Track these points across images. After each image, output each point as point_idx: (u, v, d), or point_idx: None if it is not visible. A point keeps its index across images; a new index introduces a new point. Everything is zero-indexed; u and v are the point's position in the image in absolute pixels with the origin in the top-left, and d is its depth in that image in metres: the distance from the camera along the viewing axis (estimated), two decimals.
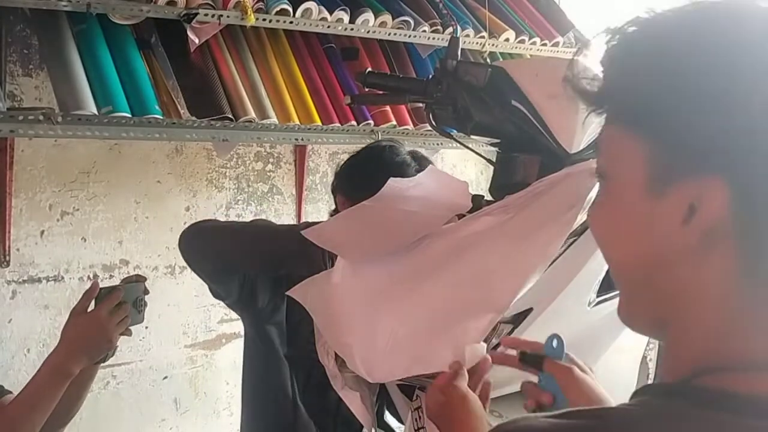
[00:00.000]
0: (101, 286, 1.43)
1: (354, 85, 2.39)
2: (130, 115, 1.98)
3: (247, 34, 2.33)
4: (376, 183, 1.27)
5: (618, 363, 1.36)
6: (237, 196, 2.67)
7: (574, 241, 1.22)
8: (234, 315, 1.76)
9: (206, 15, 2.04)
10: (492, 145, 1.40)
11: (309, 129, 2.30)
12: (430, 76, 1.35)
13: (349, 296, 1.20)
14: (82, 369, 1.39)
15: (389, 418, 1.59)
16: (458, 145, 1.48)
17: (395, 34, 2.41)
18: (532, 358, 1.05)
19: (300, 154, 2.77)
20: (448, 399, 1.04)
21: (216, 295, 1.64)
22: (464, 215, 1.23)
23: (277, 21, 2.18)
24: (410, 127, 2.48)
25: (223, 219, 2.61)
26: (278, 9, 2.16)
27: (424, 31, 2.44)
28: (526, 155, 1.29)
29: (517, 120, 1.24)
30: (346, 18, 2.29)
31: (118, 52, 2.06)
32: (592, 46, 0.68)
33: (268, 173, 2.74)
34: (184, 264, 1.61)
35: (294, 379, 1.63)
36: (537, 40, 2.69)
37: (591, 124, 0.81)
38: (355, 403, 1.30)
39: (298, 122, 2.27)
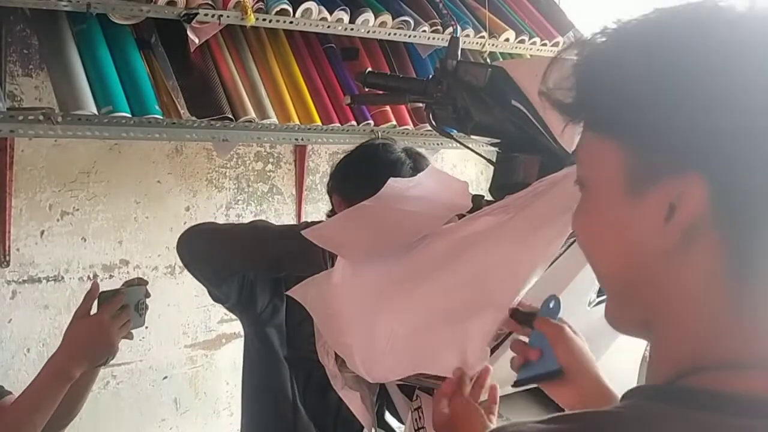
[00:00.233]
0: (103, 288, 1.43)
1: (354, 85, 2.39)
2: (130, 115, 1.98)
3: (247, 34, 2.33)
4: (371, 182, 1.27)
5: (618, 363, 1.36)
6: (237, 196, 2.67)
7: (575, 241, 1.21)
8: (234, 315, 1.76)
9: (206, 15, 2.04)
10: (492, 145, 1.39)
11: (309, 129, 2.30)
12: (430, 76, 1.35)
13: (349, 296, 1.20)
14: (83, 371, 1.39)
15: (389, 418, 1.59)
16: (458, 145, 1.47)
17: (395, 34, 2.41)
18: (523, 315, 1.06)
19: (300, 154, 2.77)
20: (453, 410, 1.05)
21: (215, 299, 1.63)
22: (464, 215, 1.23)
23: (277, 21, 2.18)
24: (410, 127, 2.48)
25: (223, 219, 2.61)
26: (278, 9, 2.16)
27: (424, 31, 2.44)
28: (526, 155, 1.29)
29: (517, 120, 1.24)
30: (346, 18, 2.29)
31: (118, 52, 2.06)
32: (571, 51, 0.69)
33: (268, 173, 2.74)
34: None
35: (294, 380, 1.63)
36: (537, 40, 2.69)
37: None
38: (355, 403, 1.30)
39: (298, 122, 2.27)
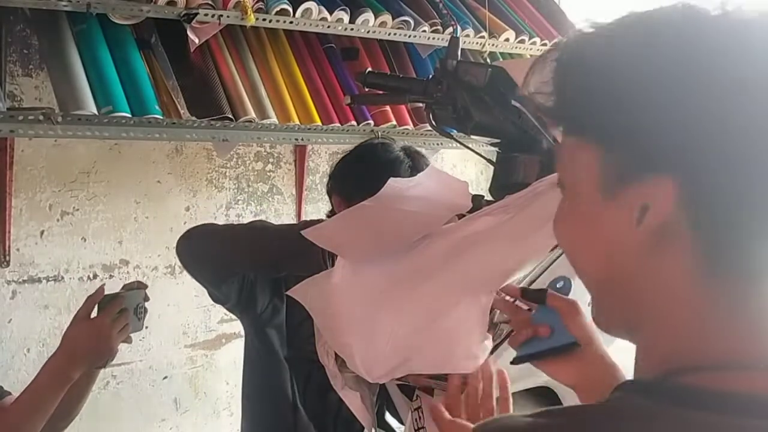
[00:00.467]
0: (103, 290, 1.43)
1: (354, 85, 2.39)
2: (130, 115, 1.98)
3: (247, 34, 2.33)
4: (370, 181, 1.27)
5: (618, 363, 1.36)
6: (237, 196, 2.67)
7: None
8: (234, 315, 1.77)
9: (206, 15, 2.04)
10: (492, 145, 1.39)
11: (309, 129, 2.30)
12: (430, 76, 1.35)
13: (349, 296, 1.20)
14: (82, 373, 1.39)
15: (390, 418, 1.59)
16: (458, 145, 1.47)
17: (395, 34, 2.41)
18: (534, 293, 1.05)
19: (300, 154, 2.77)
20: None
21: (215, 300, 1.63)
22: (464, 215, 1.23)
23: (277, 21, 2.18)
24: (410, 127, 2.48)
25: (223, 219, 2.61)
26: (278, 9, 2.16)
27: (424, 31, 2.44)
28: (526, 155, 1.29)
29: (517, 120, 1.24)
30: (346, 18, 2.29)
31: (118, 52, 2.06)
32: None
33: (268, 173, 2.74)
34: None
35: (294, 381, 1.63)
36: (537, 40, 2.69)
37: None
38: (355, 403, 1.30)
39: (298, 122, 2.27)
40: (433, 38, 2.47)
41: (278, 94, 2.29)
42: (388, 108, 2.44)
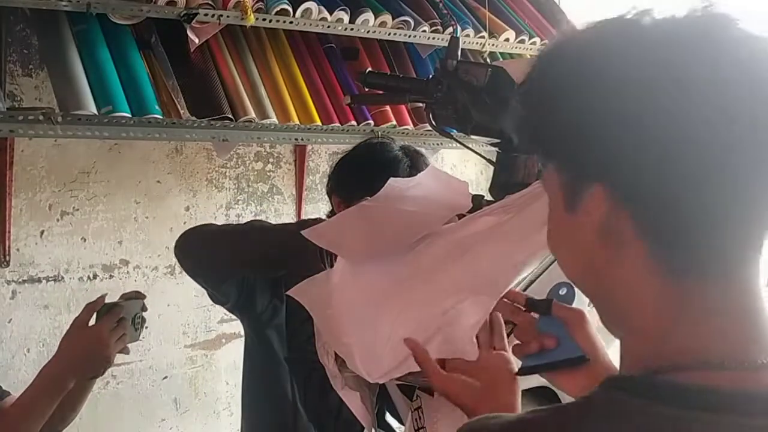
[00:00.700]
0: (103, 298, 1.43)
1: (354, 85, 2.39)
2: (130, 115, 1.98)
3: (247, 34, 2.33)
4: (369, 181, 1.27)
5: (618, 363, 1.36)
6: (237, 196, 2.67)
7: None
8: (234, 316, 1.77)
9: (206, 15, 2.04)
10: (492, 145, 1.39)
11: (309, 129, 2.30)
12: (430, 76, 1.35)
13: (349, 296, 1.20)
14: (77, 382, 1.40)
15: (390, 418, 1.59)
16: (458, 145, 1.47)
17: (395, 34, 2.41)
18: (538, 303, 1.03)
19: (300, 154, 2.77)
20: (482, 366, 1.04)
21: (215, 301, 1.63)
22: (464, 215, 1.23)
23: (277, 21, 2.18)
24: (410, 127, 2.48)
25: (223, 219, 2.61)
26: (278, 9, 2.16)
27: (424, 31, 2.44)
28: (526, 155, 1.29)
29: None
30: (346, 18, 2.29)
31: (118, 52, 2.06)
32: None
33: (268, 173, 2.74)
34: None
35: (294, 381, 1.62)
36: (537, 40, 2.68)
37: None
38: (355, 403, 1.30)
39: (297, 122, 2.28)
40: (433, 38, 2.47)
41: (278, 94, 2.29)
42: (388, 108, 2.44)
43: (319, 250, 1.33)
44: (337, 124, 2.34)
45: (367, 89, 1.52)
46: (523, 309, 1.07)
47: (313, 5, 2.21)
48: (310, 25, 2.25)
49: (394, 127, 2.44)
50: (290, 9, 2.17)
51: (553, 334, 1.00)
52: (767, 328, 0.63)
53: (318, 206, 2.77)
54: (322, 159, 2.84)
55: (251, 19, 2.10)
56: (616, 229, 0.63)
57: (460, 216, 1.23)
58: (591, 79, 0.63)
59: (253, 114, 2.19)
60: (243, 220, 2.60)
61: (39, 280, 2.29)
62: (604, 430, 0.61)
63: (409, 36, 2.44)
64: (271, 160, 2.74)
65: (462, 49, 1.87)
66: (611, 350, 1.01)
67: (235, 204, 2.66)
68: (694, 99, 0.59)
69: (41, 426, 1.37)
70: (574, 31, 0.68)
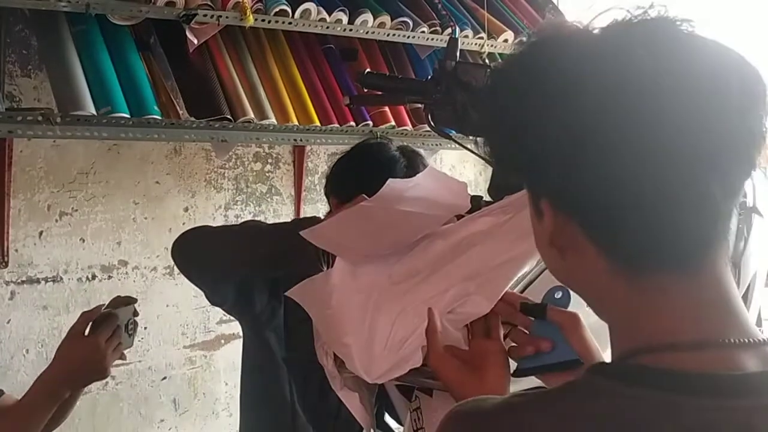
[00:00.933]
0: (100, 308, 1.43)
1: (353, 86, 2.39)
2: (128, 116, 1.98)
3: (246, 35, 2.33)
4: (367, 182, 1.27)
5: None
6: (236, 197, 2.67)
7: None
8: (232, 316, 1.77)
9: (205, 16, 2.04)
10: None
11: (308, 129, 2.31)
12: (429, 77, 1.35)
13: (348, 297, 1.20)
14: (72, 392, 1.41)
15: (389, 419, 1.59)
16: (457, 145, 1.48)
17: (394, 35, 2.41)
18: (533, 307, 1.03)
19: (299, 154, 2.77)
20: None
21: (213, 302, 1.63)
22: (463, 216, 1.23)
23: (276, 22, 2.18)
24: (409, 127, 2.49)
25: (221, 220, 2.61)
26: (277, 10, 2.16)
27: (423, 32, 2.44)
28: None
29: None
30: (344, 19, 2.29)
31: (117, 52, 2.06)
32: None
33: (267, 174, 2.74)
34: None
35: (292, 383, 1.62)
36: None
37: None
38: (354, 403, 1.30)
39: (296, 123, 2.28)
40: (432, 39, 2.47)
41: (277, 94, 2.29)
42: (386, 109, 2.44)
43: (317, 250, 1.33)
44: (336, 125, 2.34)
45: (365, 90, 1.53)
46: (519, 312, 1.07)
47: (312, 6, 2.21)
48: (309, 25, 2.25)
49: (393, 127, 2.44)
50: (289, 10, 2.17)
51: (548, 337, 1.01)
52: (732, 311, 0.65)
53: (317, 207, 2.77)
54: (321, 160, 2.84)
55: (250, 20, 2.10)
56: (570, 235, 0.67)
57: (459, 217, 1.23)
58: (523, 95, 0.66)
59: (251, 115, 2.19)
60: (242, 221, 2.60)
61: (38, 281, 2.29)
62: (578, 408, 0.64)
63: (408, 37, 2.44)
64: (269, 160, 2.74)
65: (461, 50, 1.87)
66: (606, 353, 1.01)
67: (234, 205, 2.67)
68: (608, 106, 0.61)
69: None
70: (527, 43, 0.70)
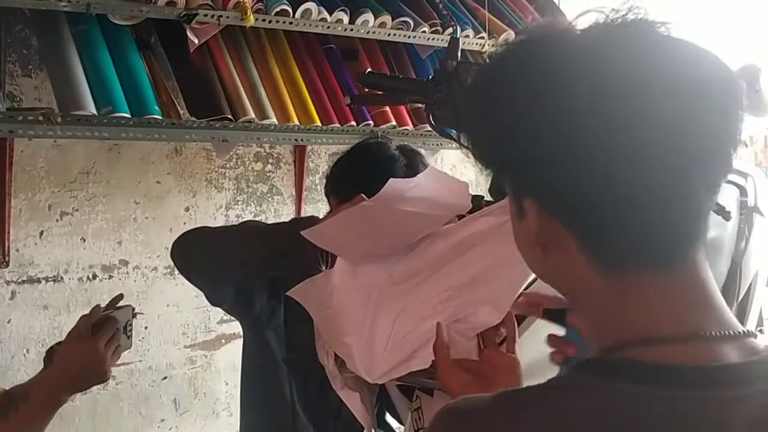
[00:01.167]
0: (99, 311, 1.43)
1: (353, 86, 2.39)
2: (129, 116, 1.98)
3: (246, 35, 2.33)
4: (367, 181, 1.27)
5: None
6: (236, 197, 2.67)
7: None
8: (232, 316, 1.76)
9: (206, 15, 2.04)
10: None
11: (308, 129, 2.30)
12: (430, 77, 1.35)
13: (349, 296, 1.20)
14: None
15: (390, 419, 1.59)
16: (458, 145, 1.47)
17: (395, 34, 2.41)
18: (553, 313, 1.04)
19: (299, 154, 2.77)
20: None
21: (213, 302, 1.63)
22: (464, 216, 1.23)
23: (277, 21, 2.18)
24: (410, 127, 2.48)
25: (222, 219, 2.61)
26: (278, 9, 2.16)
27: (424, 31, 2.44)
28: None
29: None
30: (345, 19, 2.29)
31: (118, 52, 2.06)
32: None
33: (268, 174, 2.74)
34: None
35: (292, 383, 1.62)
36: None
37: None
38: (354, 403, 1.30)
39: (297, 123, 2.28)
40: (433, 39, 2.47)
41: (278, 94, 2.29)
42: (387, 108, 2.44)
43: (316, 250, 1.33)
44: (337, 125, 2.34)
45: (366, 90, 1.53)
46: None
47: (312, 6, 2.21)
48: (310, 25, 2.25)
49: (394, 127, 2.44)
50: (290, 9, 2.17)
51: (573, 342, 1.01)
52: (713, 305, 0.67)
53: (318, 206, 2.77)
54: (322, 159, 2.84)
55: (251, 20, 2.10)
56: (554, 234, 0.68)
57: (460, 216, 1.23)
58: (513, 95, 0.66)
59: (252, 114, 2.19)
60: (242, 221, 2.60)
61: (38, 281, 2.29)
62: (558, 399, 0.66)
63: (409, 37, 2.44)
64: (270, 160, 2.74)
65: (462, 50, 1.87)
66: None
67: (235, 204, 2.66)
68: (580, 108, 0.62)
69: None
70: (509, 46, 0.70)
